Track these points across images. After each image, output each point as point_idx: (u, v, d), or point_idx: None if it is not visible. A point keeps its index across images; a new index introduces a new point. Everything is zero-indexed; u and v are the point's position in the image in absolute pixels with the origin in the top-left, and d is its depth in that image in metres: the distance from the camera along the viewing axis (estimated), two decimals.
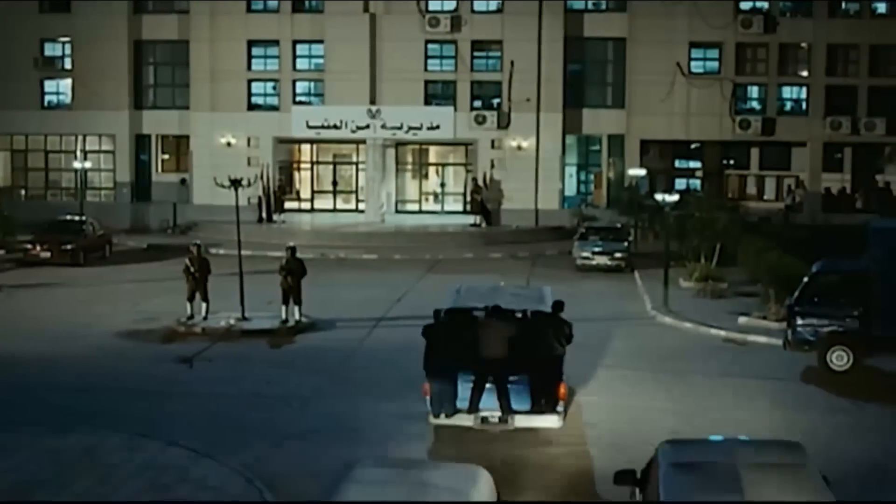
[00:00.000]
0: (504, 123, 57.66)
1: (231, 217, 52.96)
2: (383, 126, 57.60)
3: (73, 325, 32.62)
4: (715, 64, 58.49)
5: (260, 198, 56.82)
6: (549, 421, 21.24)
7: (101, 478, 18.18)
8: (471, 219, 57.33)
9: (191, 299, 32.66)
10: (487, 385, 21.05)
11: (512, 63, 57.36)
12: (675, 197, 37.65)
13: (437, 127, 57.68)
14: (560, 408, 21.21)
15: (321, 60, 58.76)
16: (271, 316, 32.74)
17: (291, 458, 19.86)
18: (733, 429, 20.17)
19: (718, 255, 41.23)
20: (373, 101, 57.77)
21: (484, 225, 56.44)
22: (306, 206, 61.54)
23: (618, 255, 45.25)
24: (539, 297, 23.60)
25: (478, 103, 58.41)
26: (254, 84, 59.34)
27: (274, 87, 59.29)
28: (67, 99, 60.54)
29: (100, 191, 60.64)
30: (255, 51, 59.09)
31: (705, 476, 13.06)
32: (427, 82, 58.48)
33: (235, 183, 33.78)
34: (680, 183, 58.33)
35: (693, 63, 58.37)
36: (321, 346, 30.36)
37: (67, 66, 60.12)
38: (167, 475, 18.40)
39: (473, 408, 21.09)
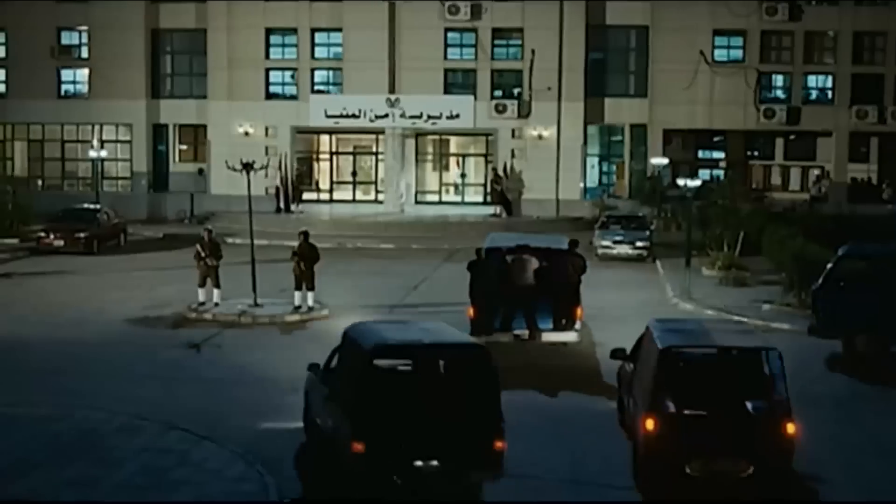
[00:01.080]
0: (525, 112, 56.90)
1: (247, 207, 53.02)
2: (402, 115, 56.92)
3: (82, 311, 32.10)
4: (739, 52, 57.65)
5: (278, 188, 56.24)
6: (568, 336, 26.71)
7: (97, 460, 17.64)
8: (491, 209, 56.61)
9: (202, 285, 32.07)
10: (518, 308, 26.45)
11: (533, 51, 56.59)
12: (698, 182, 36.84)
13: (457, 116, 56.95)
14: (577, 326, 26.61)
15: (339, 49, 58.12)
16: (284, 303, 32.13)
17: (294, 444, 19.26)
18: None
19: (741, 243, 40.48)
20: (392, 91, 57.10)
21: (504, 215, 55.62)
22: (325, 196, 60.83)
23: (639, 244, 44.41)
24: (557, 240, 29.15)
25: (498, 92, 57.74)
26: (272, 73, 58.75)
27: (292, 76, 58.71)
28: (84, 88, 60.04)
29: (117, 181, 60.17)
30: (273, 39, 58.48)
31: (686, 332, 19.20)
32: (447, 71, 57.79)
33: (247, 167, 33.22)
34: (703, 173, 57.12)
35: (717, 51, 57.57)
36: (333, 332, 29.48)
37: (84, 54, 59.66)
38: (165, 458, 17.87)
39: (507, 327, 26.40)
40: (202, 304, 31.87)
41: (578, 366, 25.76)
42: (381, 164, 59.85)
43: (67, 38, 59.78)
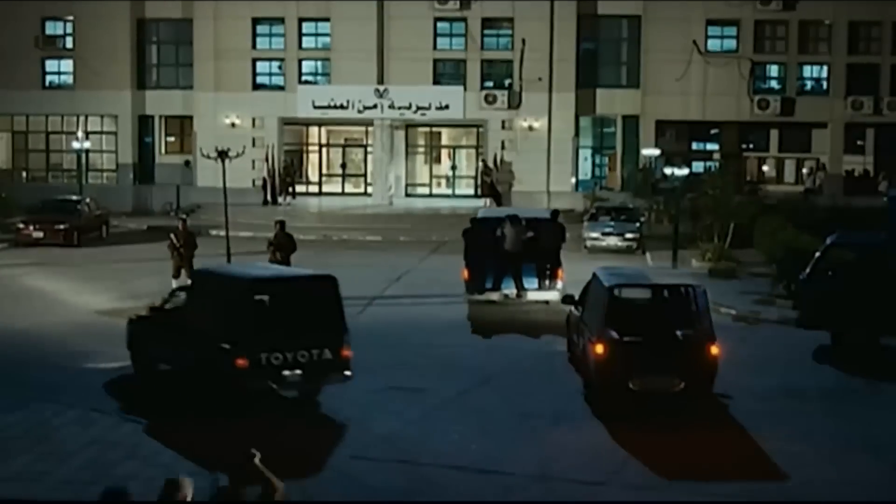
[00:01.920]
0: (515, 103, 56.08)
1: (234, 200, 52.18)
2: (391, 106, 56.07)
3: (53, 302, 31.42)
4: (733, 42, 56.84)
5: (265, 179, 55.45)
6: (550, 295, 30.22)
7: (43, 454, 16.87)
8: (481, 202, 55.77)
9: (176, 276, 31.33)
10: (507, 270, 30.47)
11: (523, 41, 55.74)
12: (685, 171, 36.05)
13: (447, 107, 56.13)
14: (559, 286, 29.94)
15: (328, 39, 57.26)
16: None
17: (246, 438, 18.42)
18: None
19: (732, 235, 39.72)
20: (380, 81, 56.30)
21: (493, 206, 54.72)
22: (315, 189, 60.06)
23: (629, 235, 43.60)
24: (542, 211, 34.56)
25: (488, 83, 56.91)
26: (259, 63, 57.90)
27: (279, 67, 57.83)
28: (69, 79, 59.15)
29: (102, 173, 59.40)
30: (260, 29, 57.60)
31: (627, 275, 23.38)
32: (436, 61, 56.99)
33: (222, 154, 32.56)
34: (697, 166, 56.49)
35: (710, 41, 56.76)
36: None
37: (69, 45, 58.75)
38: (114, 451, 17.16)
39: (497, 287, 30.52)
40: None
41: (553, 319, 27.91)
42: (371, 157, 58.99)
43: (52, 29, 58.83)
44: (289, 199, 56.01)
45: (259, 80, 57.95)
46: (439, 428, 19.36)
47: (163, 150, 59.72)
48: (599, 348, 20.45)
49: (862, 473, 17.33)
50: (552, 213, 33.24)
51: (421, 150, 60.90)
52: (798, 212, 43.49)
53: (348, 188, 60.31)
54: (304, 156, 61.12)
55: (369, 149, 58.92)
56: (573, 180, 57.58)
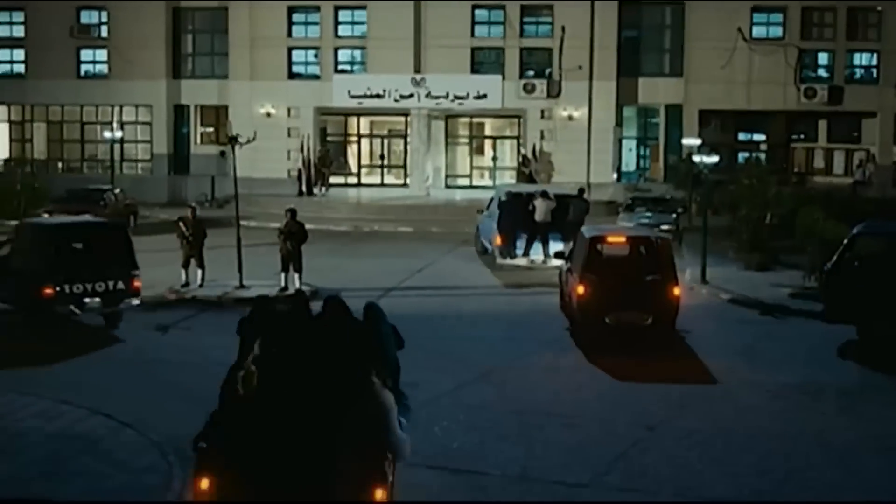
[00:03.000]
0: (554, 92, 54.91)
1: (269, 190, 51.64)
2: (428, 95, 55.15)
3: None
4: (779, 29, 55.29)
5: (300, 170, 54.75)
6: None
7: None
8: None
9: (185, 266, 30.70)
10: (536, 239, 34.73)
11: (563, 29, 54.54)
12: (715, 159, 34.67)
13: (485, 96, 55.08)
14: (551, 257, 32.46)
15: (364, 27, 56.41)
16: (272, 284, 30.43)
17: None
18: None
19: (774, 227, 38.26)
20: (417, 70, 55.33)
21: None
22: (354, 180, 59.21)
23: (664, 227, 42.16)
24: (570, 189, 38.23)
25: (527, 72, 55.78)
26: (294, 52, 57.14)
27: (315, 55, 56.98)
28: (104, 68, 58.65)
29: (137, 163, 58.85)
30: (296, 17, 56.84)
31: (605, 229, 27.98)
32: (474, 49, 55.94)
33: (233, 140, 31.56)
34: (743, 157, 55.13)
35: (755, 28, 55.31)
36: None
37: (104, 34, 58.24)
38: (72, 447, 16.18)
39: (526, 254, 34.82)
40: (185, 284, 30.46)
41: None
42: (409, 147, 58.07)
43: (87, 17, 58.39)
44: (323, 189, 55.16)
45: (294, 69, 57.16)
46: (423, 424, 18.24)
47: (198, 140, 59.03)
48: (580, 289, 24.44)
49: (869, 476, 16.09)
50: (579, 190, 38.32)
51: (462, 140, 59.83)
52: (843, 203, 41.93)
53: (388, 179, 59.36)
54: (345, 146, 60.23)
55: (409, 139, 57.90)
56: (614, 171, 56.24)
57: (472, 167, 59.35)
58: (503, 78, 55.15)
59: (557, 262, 30.43)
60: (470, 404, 19.54)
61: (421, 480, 15.63)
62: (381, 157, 59.95)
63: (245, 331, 13.15)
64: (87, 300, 24.64)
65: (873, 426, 18.56)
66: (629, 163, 58.48)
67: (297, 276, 30.12)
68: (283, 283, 30.11)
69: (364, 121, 59.74)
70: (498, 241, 34.84)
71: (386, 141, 60.19)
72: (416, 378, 20.87)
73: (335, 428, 11.56)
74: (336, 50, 56.76)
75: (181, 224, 30.98)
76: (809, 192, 44.51)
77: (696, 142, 51.29)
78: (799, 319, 27.76)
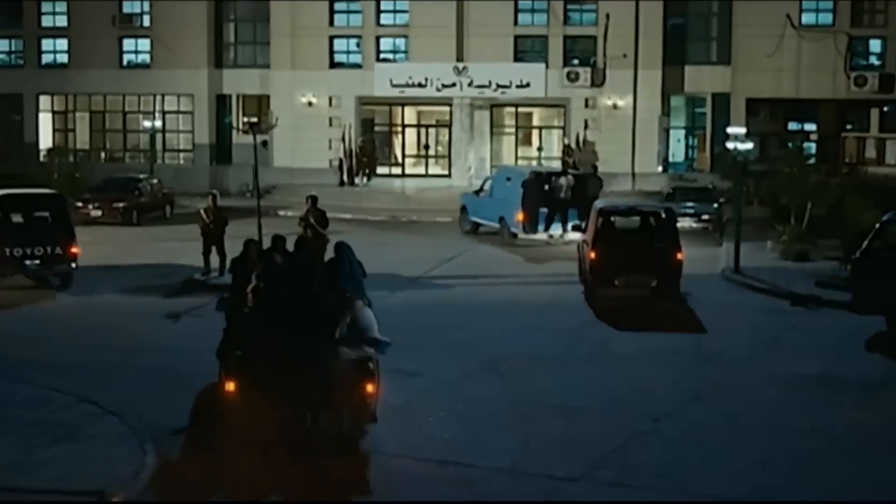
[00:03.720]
0: (599, 81, 53.96)
1: (310, 180, 51.19)
2: (470, 84, 54.36)
3: (82, 279, 30.13)
4: (829, 16, 53.87)
5: (341, 160, 54.31)
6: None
7: None
8: None
9: (206, 253, 30.32)
10: (555, 215, 37.54)
11: (608, 16, 53.52)
12: (749, 145, 33.79)
13: (528, 85, 54.24)
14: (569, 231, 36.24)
15: (406, 15, 55.67)
16: None
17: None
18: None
19: (819, 218, 37.26)
20: (459, 59, 54.58)
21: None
22: (398, 170, 58.62)
23: (705, 217, 41.44)
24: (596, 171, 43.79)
25: (571, 60, 54.81)
26: (336, 41, 56.48)
27: (357, 44, 56.38)
28: (146, 58, 58.40)
29: (179, 153, 58.65)
30: (338, 6, 56.13)
31: (615, 203, 31.54)
32: (517, 38, 55.03)
33: (254, 126, 31.09)
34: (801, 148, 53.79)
35: (804, 15, 53.81)
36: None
37: (146, 23, 58.00)
38: (49, 434, 15.79)
39: (547, 228, 37.64)
40: (206, 273, 30.09)
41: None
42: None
43: (129, 7, 58.10)
44: (365, 179, 54.67)
45: (336, 58, 56.55)
46: (418, 415, 17.73)
47: (240, 130, 58.63)
48: (592, 254, 27.46)
49: (877, 474, 15.29)
50: (593, 167, 43.82)
51: (508, 130, 59.09)
52: (891, 193, 40.78)
53: (432, 170, 58.70)
54: (390, 136, 59.66)
55: (452, 129, 57.21)
56: (660, 161, 55.27)
57: (517, 157, 58.44)
58: (546, 66, 54.30)
59: (575, 236, 33.44)
60: (471, 395, 18.96)
61: (404, 471, 15.12)
62: (426, 147, 59.32)
63: (235, 268, 18.80)
64: (27, 262, 27.98)
65: (891, 422, 17.75)
66: (678, 153, 57.43)
67: None
68: None
69: (409, 111, 59.11)
70: (520, 217, 37.13)
71: (430, 130, 59.50)
72: (421, 368, 20.55)
73: (328, 336, 15.94)
74: (378, 38, 56.12)
75: (202, 212, 30.64)
76: (857, 182, 43.41)
77: (741, 130, 50.19)
78: (830, 310, 26.86)
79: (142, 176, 46.93)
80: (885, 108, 55.05)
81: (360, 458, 15.91)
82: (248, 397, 15.43)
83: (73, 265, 28.65)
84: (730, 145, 34.96)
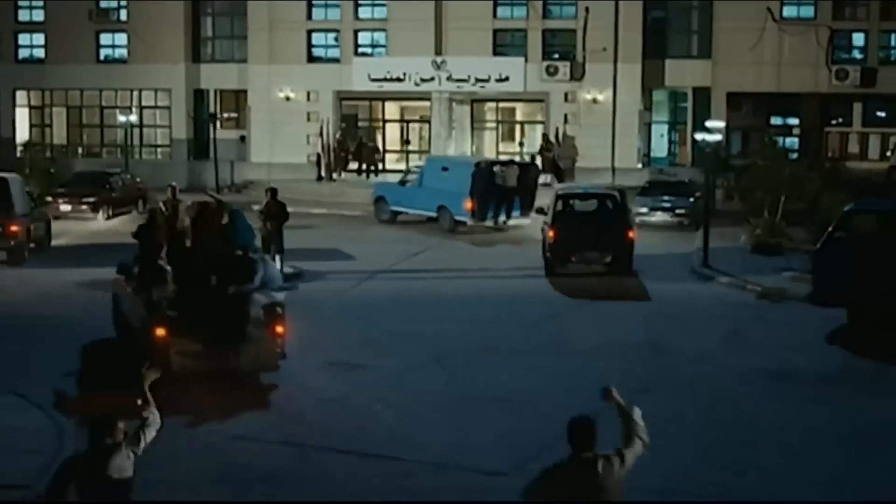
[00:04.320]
0: (578, 75, 53.39)
1: (287, 175, 50.66)
2: (449, 78, 53.83)
3: (38, 273, 29.72)
4: (810, 9, 53.23)
5: (319, 155, 53.68)
6: (524, 221, 39.21)
7: None
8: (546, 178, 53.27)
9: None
10: (502, 203, 39.13)
11: (587, 10, 52.91)
12: (718, 137, 33.39)
13: (507, 79, 53.70)
14: (531, 215, 37.66)
15: (384, 9, 55.10)
16: None
17: None
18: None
19: (797, 213, 36.85)
20: (438, 52, 54.05)
21: (555, 184, 52.10)
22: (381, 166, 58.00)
23: (679, 211, 40.98)
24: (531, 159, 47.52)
25: (551, 54, 54.29)
26: (314, 35, 55.90)
27: (335, 38, 55.87)
28: (123, 52, 57.84)
29: (156, 148, 58.14)
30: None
31: (572, 188, 35.67)
32: (496, 31, 54.49)
33: (212, 117, 30.50)
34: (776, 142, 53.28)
35: (786, 8, 53.10)
36: (292, 297, 26.93)
37: (123, 17, 57.41)
38: None
39: (496, 215, 39.07)
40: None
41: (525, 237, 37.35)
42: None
43: (106, 2, 57.60)
44: (343, 175, 54.14)
45: (314, 52, 56.02)
46: (353, 408, 17.29)
47: (218, 125, 58.09)
48: (551, 233, 30.02)
49: (814, 468, 14.84)
50: (531, 157, 48.02)
51: (490, 125, 58.63)
52: (874, 187, 40.36)
53: (413, 165, 58.02)
54: (373, 132, 59.04)
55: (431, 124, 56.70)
56: (640, 156, 54.75)
57: (498, 153, 57.95)
58: (526, 60, 53.79)
59: (516, 222, 39.22)
60: (414, 387, 18.58)
61: (326, 465, 14.67)
62: (406, 142, 58.83)
63: (141, 233, 20.55)
64: None
65: (839, 415, 17.33)
66: (661, 148, 56.97)
67: (278, 256, 29.11)
68: None
69: (391, 106, 58.59)
70: (469, 205, 38.04)
71: (410, 125, 59.00)
72: (367, 360, 20.13)
73: (240, 288, 18.47)
74: (356, 32, 55.55)
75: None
76: (833, 176, 42.96)
77: (720, 124, 49.82)
78: (796, 304, 26.37)
79: (114, 171, 46.45)
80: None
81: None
82: (175, 339, 17.43)
83: (13, 243, 30.41)
84: (698, 136, 34.47)
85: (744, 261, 32.39)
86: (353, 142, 55.48)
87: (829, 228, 23.21)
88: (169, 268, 18.56)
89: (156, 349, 16.91)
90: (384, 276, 30.27)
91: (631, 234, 30.17)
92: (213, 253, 19.21)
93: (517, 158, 47.55)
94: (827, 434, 16.20)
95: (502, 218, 39.32)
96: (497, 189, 39.06)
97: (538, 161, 50.50)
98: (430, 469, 14.53)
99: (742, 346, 22.16)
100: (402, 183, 43.02)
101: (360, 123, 58.02)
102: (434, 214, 40.06)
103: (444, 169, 40.95)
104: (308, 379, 18.74)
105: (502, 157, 50.29)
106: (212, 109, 57.11)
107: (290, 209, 39.86)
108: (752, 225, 36.51)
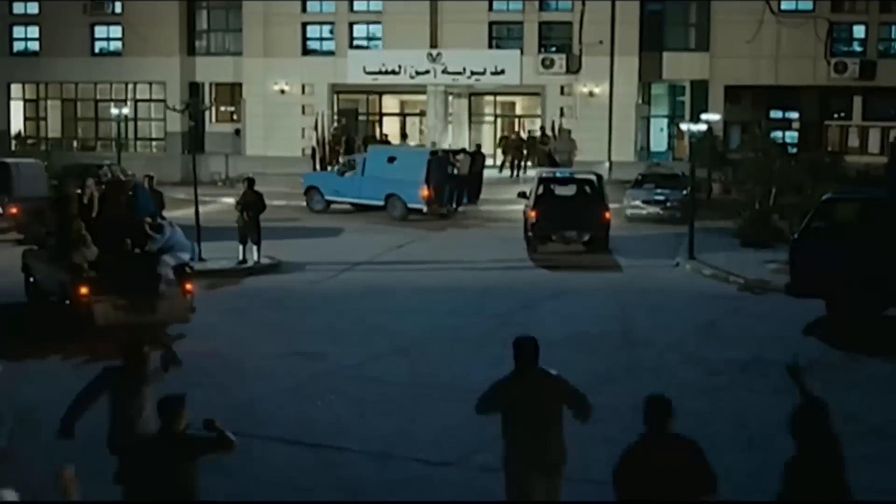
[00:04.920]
0: (574, 68, 53.07)
1: (283, 169, 50.39)
2: (444, 71, 53.56)
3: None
4: (808, 2, 52.88)
5: (314, 148, 53.36)
6: (473, 207, 42.67)
7: None
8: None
9: None
10: (456, 189, 41.44)
11: (583, 2, 52.61)
12: (703, 127, 33.02)
13: (502, 72, 53.43)
14: (478, 200, 42.69)
15: (380, 2, 54.85)
16: (231, 258, 29.22)
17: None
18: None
19: (776, 201, 36.38)
20: (433, 45, 53.77)
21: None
22: None
23: (670, 204, 40.57)
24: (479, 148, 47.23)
25: (548, 47, 53.94)
26: (309, 27, 55.78)
27: (330, 31, 55.59)
28: (118, 45, 57.67)
29: (151, 141, 57.87)
30: None
31: (553, 172, 37.50)
32: (492, 24, 54.27)
33: (188, 106, 30.31)
34: (775, 136, 52.77)
35: (783, 1, 52.79)
36: (266, 287, 26.84)
37: (118, 10, 57.29)
38: None
39: (449, 203, 41.19)
40: None
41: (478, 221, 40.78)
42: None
43: None
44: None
45: (309, 45, 55.86)
46: (305, 397, 16.92)
47: (213, 119, 57.86)
48: (532, 214, 31.91)
49: (775, 461, 14.38)
50: (477, 146, 48.03)
51: (487, 119, 58.26)
52: (871, 180, 39.89)
53: None
54: (367, 125, 58.79)
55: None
56: (638, 149, 54.33)
57: (495, 146, 57.61)
58: (522, 53, 53.49)
59: (464, 208, 41.85)
60: (371, 378, 18.16)
61: (267, 455, 14.26)
62: (404, 136, 58.48)
63: (56, 206, 22.24)
64: None
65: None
66: (660, 142, 56.57)
67: (255, 247, 28.85)
68: (240, 256, 28.91)
69: (389, 99, 58.31)
70: (425, 193, 39.73)
71: (407, 119, 58.68)
72: (329, 350, 19.75)
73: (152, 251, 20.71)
74: (351, 25, 55.34)
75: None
76: (832, 168, 42.45)
77: (715, 117, 49.35)
78: (778, 296, 25.91)
79: (104, 163, 46.18)
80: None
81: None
82: (97, 297, 19.65)
83: None
84: (683, 127, 34.14)
85: (731, 253, 31.97)
86: (356, 136, 55.24)
87: (807, 218, 22.75)
88: (88, 235, 20.34)
89: (80, 306, 19.60)
90: (363, 267, 29.92)
91: (607, 216, 32.16)
92: (121, 221, 21.14)
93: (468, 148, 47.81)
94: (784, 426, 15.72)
95: (452, 206, 41.40)
96: (451, 177, 41.08)
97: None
98: (375, 459, 14.14)
99: (717, 338, 21.73)
100: (341, 173, 43.27)
101: (359, 118, 57.73)
102: (380, 203, 41.00)
103: (391, 159, 41.79)
104: (267, 368, 18.44)
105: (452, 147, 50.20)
106: (206, 103, 56.96)
107: (280, 203, 40.02)
108: (742, 217, 36.10)
